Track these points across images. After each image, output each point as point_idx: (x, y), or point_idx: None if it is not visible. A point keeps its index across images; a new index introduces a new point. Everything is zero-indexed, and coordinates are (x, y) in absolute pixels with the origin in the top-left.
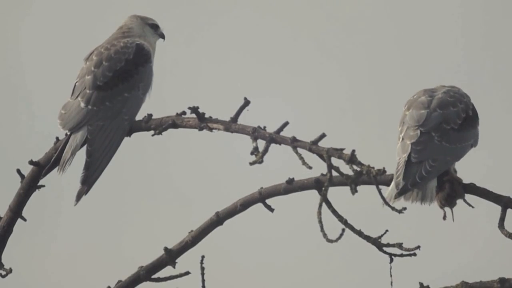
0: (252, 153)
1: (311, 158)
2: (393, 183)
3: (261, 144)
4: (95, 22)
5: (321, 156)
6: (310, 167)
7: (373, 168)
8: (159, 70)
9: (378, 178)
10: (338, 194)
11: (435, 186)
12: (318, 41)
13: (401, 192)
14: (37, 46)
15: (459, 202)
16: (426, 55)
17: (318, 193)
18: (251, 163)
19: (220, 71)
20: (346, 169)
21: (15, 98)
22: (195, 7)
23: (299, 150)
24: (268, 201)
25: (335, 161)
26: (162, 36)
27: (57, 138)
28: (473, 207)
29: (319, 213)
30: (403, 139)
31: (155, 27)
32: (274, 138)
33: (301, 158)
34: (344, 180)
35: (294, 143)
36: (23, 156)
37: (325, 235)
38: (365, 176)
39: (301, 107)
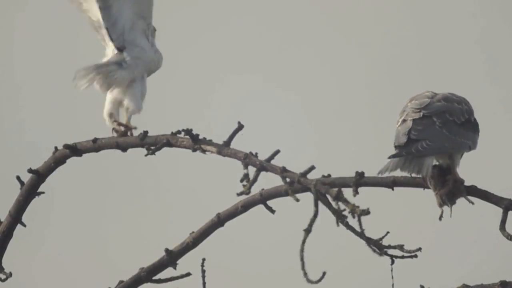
0: (241, 181)
1: None
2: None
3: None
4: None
5: (309, 189)
6: (297, 200)
7: (358, 207)
8: (154, 85)
9: (361, 218)
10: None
11: (432, 165)
12: (313, 50)
13: (395, 156)
14: (33, 51)
15: (460, 203)
16: (439, 56)
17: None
18: (239, 194)
19: (215, 88)
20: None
21: (14, 105)
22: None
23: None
24: (269, 203)
25: None
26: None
27: (55, 148)
28: (473, 203)
29: (302, 250)
30: (404, 120)
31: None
32: (265, 167)
33: (292, 194)
34: (346, 182)
35: (283, 173)
36: (23, 162)
37: (305, 274)
38: (350, 215)
39: (297, 124)
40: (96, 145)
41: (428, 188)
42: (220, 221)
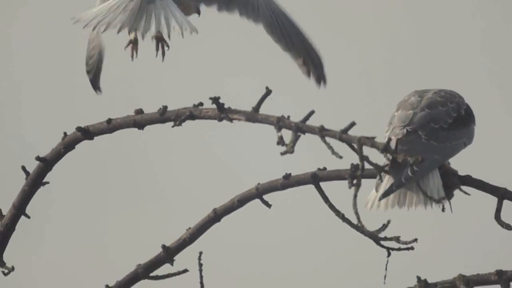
0: (278, 143)
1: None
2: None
3: (286, 135)
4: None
5: (351, 146)
6: (340, 157)
7: (411, 157)
8: (167, 63)
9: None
10: (334, 188)
11: (441, 185)
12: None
13: (386, 194)
14: (38, 39)
15: (455, 195)
16: (439, 57)
17: (315, 187)
18: (283, 153)
19: (236, 61)
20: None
21: (18, 95)
22: None
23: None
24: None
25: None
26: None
27: (65, 133)
28: (469, 194)
29: (355, 204)
30: (390, 139)
31: None
32: (301, 127)
33: (330, 147)
34: (341, 174)
35: (322, 132)
36: (27, 155)
37: (362, 226)
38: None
39: (326, 96)
40: (111, 126)
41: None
42: (216, 216)
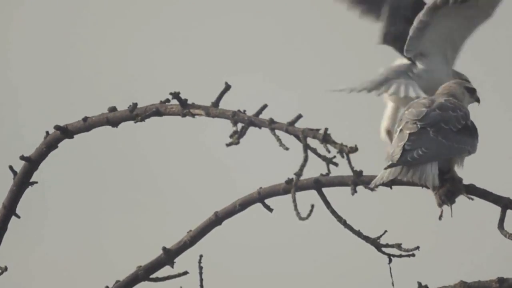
0: (231, 136)
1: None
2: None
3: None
4: (82, 17)
5: (297, 137)
6: (287, 148)
7: (346, 146)
8: (143, 59)
9: (350, 156)
10: (336, 195)
11: (437, 175)
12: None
13: (391, 165)
14: (25, 39)
15: (459, 202)
16: None
17: (317, 193)
18: (228, 144)
19: (201, 55)
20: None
21: (2, 93)
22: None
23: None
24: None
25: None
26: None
27: (47, 132)
28: (472, 199)
29: (294, 193)
30: (401, 130)
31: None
32: (253, 121)
33: (278, 139)
34: (344, 180)
35: (271, 125)
36: (14, 153)
37: (298, 213)
38: (341, 156)
39: (285, 88)
40: (87, 124)
41: (427, 187)
42: (218, 219)
